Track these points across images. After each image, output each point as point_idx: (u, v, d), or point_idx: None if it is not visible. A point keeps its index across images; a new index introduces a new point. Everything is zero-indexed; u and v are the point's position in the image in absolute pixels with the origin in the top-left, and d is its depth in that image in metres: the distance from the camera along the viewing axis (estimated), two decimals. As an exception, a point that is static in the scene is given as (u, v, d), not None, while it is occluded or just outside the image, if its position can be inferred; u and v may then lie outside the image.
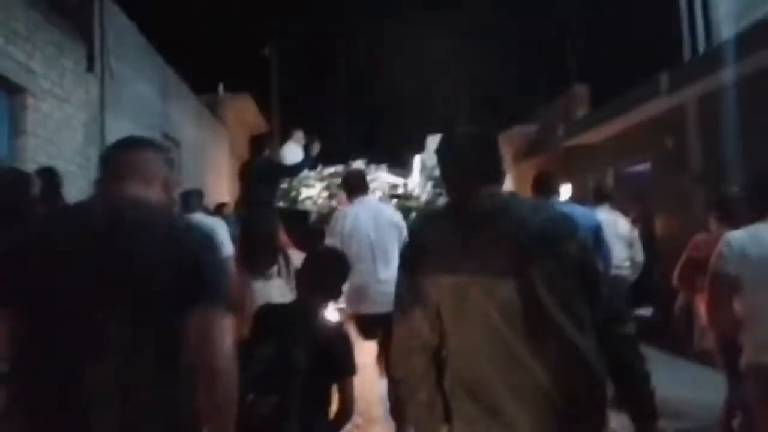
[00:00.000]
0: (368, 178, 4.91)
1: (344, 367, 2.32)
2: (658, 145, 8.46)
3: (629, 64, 11.36)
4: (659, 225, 8.70)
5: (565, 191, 12.04)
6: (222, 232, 3.95)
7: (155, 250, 1.51)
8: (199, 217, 5.45)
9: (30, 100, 5.50)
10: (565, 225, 1.69)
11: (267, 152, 6.67)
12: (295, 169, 6.59)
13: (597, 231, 3.75)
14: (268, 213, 4.14)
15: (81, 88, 6.63)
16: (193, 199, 5.72)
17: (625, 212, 9.26)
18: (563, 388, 1.53)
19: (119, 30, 8.00)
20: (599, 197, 5.44)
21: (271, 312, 2.47)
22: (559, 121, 11.45)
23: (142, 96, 8.82)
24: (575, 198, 5.78)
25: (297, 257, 3.95)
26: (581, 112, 11.30)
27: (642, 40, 11.51)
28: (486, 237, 1.59)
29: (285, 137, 8.96)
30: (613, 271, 4.67)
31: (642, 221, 8.82)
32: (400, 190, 7.39)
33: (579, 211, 3.74)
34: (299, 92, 21.26)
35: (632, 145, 9.30)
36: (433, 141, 8.64)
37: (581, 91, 11.39)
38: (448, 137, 1.86)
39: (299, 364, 2.18)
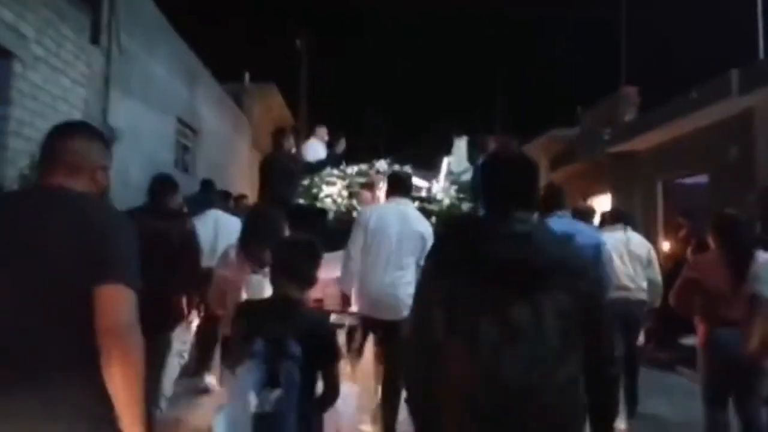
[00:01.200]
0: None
1: (331, 355, 2.43)
2: (718, 155, 7.56)
3: (686, 64, 10.41)
4: (715, 244, 7.79)
5: (604, 203, 11.15)
6: (237, 226, 3.78)
7: (62, 230, 1.64)
8: (217, 213, 5.47)
9: (17, 67, 4.92)
10: (581, 261, 1.81)
11: (290, 147, 6.45)
12: (316, 167, 6.61)
13: (597, 251, 3.64)
14: (274, 208, 3.88)
15: (81, 61, 6.04)
16: (212, 195, 5.84)
17: (675, 229, 8.41)
18: (551, 414, 1.62)
19: (133, 2, 7.43)
20: (615, 218, 5.19)
21: (254, 307, 2.55)
22: (604, 125, 10.56)
23: (157, 77, 8.25)
24: (614, 214, 5.31)
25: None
26: (629, 116, 10.39)
27: (703, 39, 10.56)
28: (507, 259, 1.67)
29: (311, 133, 8.86)
30: (622, 294, 4.54)
31: (694, 240, 7.92)
32: (423, 193, 7.20)
33: (581, 230, 3.62)
34: (328, 88, 20.74)
35: (687, 154, 8.40)
36: (460, 144, 8.58)
37: (630, 93, 10.47)
38: (495, 158, 2.02)
39: (296, 356, 2.24)
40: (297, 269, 2.48)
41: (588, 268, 1.80)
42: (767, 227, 5.76)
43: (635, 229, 5.16)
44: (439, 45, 21.55)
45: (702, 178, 8.40)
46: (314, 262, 2.55)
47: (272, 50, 17.73)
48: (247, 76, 15.27)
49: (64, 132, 1.80)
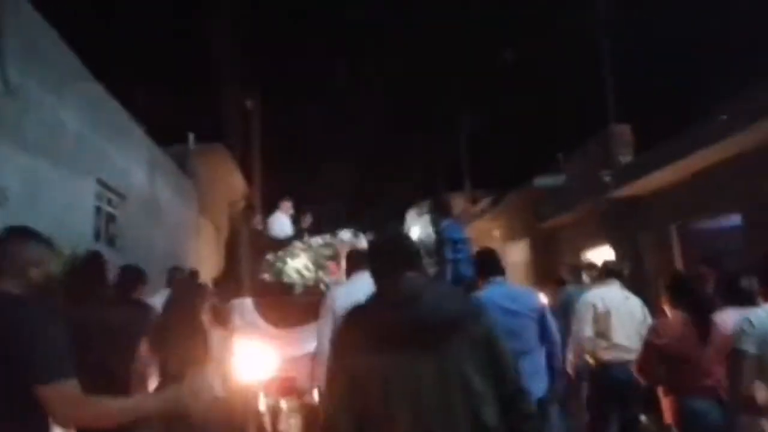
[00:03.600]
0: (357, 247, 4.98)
1: None
2: (755, 189, 6.33)
3: (682, 96, 9.42)
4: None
5: (602, 256, 9.82)
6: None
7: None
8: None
9: None
10: (470, 310, 1.92)
11: (256, 224, 7.25)
12: (283, 242, 6.79)
13: (541, 314, 3.58)
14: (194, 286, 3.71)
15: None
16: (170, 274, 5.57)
17: (702, 280, 7.03)
18: None
19: (31, 34, 5.89)
20: (608, 273, 4.82)
21: None
22: (595, 169, 9.35)
23: (67, 128, 6.61)
24: (605, 269, 4.90)
25: (217, 335, 3.31)
26: (624, 157, 9.23)
27: (705, 60, 9.62)
28: (404, 321, 1.80)
29: (268, 201, 9.59)
30: (620, 355, 4.27)
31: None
32: None
33: (518, 295, 3.62)
34: (281, 148, 19.38)
35: (710, 192, 7.17)
36: (413, 213, 8.76)
37: (623, 131, 9.36)
38: (371, 242, 2.66)
39: None
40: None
41: (479, 314, 1.91)
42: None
43: (624, 284, 4.77)
44: (399, 95, 20.57)
45: (727, 220, 7.17)
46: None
47: (219, 111, 16.25)
48: (191, 137, 13.74)
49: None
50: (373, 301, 1.97)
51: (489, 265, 3.70)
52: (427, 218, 7.83)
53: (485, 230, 15.79)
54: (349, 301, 3.47)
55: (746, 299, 3.23)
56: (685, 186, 7.65)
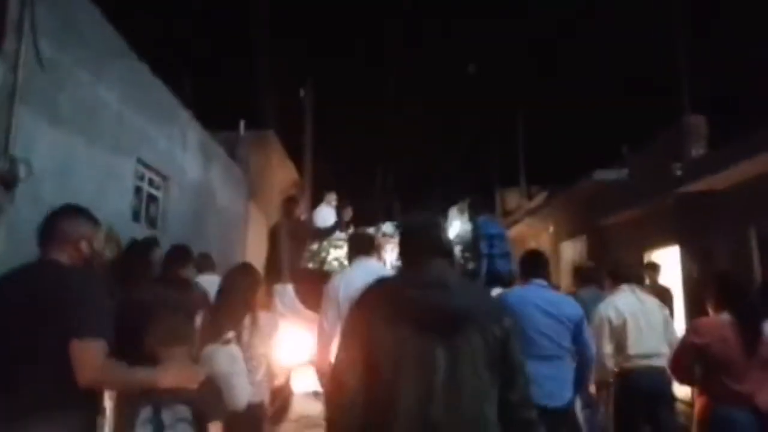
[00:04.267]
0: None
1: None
2: None
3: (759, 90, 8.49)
4: None
5: (671, 256, 9.03)
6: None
7: (43, 295, 2.20)
8: (206, 278, 4.99)
9: None
10: (494, 308, 1.92)
11: (299, 214, 7.27)
12: (325, 233, 6.96)
13: (577, 324, 3.48)
14: (249, 271, 3.47)
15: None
16: (200, 260, 5.31)
17: None
18: None
19: (68, 9, 5.73)
20: (586, 278, 4.92)
21: None
22: (666, 162, 8.57)
23: (105, 105, 6.47)
24: (585, 274, 5.14)
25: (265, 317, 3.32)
26: (697, 150, 8.42)
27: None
28: (426, 303, 1.80)
29: (317, 190, 10.15)
30: (643, 362, 4.12)
31: None
32: None
33: (556, 300, 3.54)
34: (334, 140, 19.16)
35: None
36: (455, 210, 9.21)
37: (698, 123, 8.52)
38: (403, 224, 2.63)
39: (189, 419, 2.49)
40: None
41: (502, 314, 1.88)
42: None
43: (602, 289, 4.77)
44: (453, 93, 19.98)
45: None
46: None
47: (272, 99, 16.13)
48: (242, 123, 13.66)
49: (52, 215, 2.42)
50: (397, 280, 2.01)
51: (533, 265, 3.69)
52: (466, 214, 8.00)
53: (539, 227, 15.05)
54: (351, 288, 3.40)
55: None
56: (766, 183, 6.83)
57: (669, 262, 8.74)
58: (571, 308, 3.54)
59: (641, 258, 10.05)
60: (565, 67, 14.79)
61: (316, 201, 11.06)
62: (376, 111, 20.22)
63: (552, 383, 3.30)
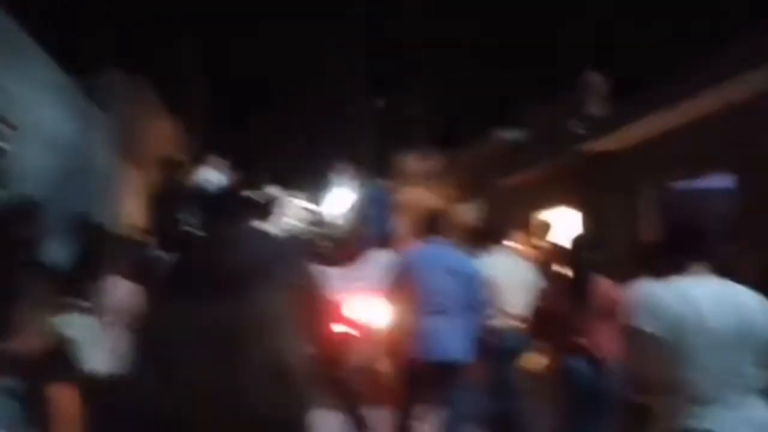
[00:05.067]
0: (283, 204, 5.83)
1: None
2: (752, 144, 5.57)
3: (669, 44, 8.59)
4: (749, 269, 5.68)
5: (567, 216, 9.08)
6: None
7: None
8: None
9: None
10: (287, 261, 1.67)
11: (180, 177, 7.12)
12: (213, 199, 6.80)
13: (470, 278, 3.61)
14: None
15: None
16: None
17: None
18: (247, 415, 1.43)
19: None
20: (482, 236, 4.88)
21: None
22: (565, 122, 8.49)
23: None
24: (480, 232, 5.23)
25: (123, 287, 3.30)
26: (594, 109, 8.40)
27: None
28: (202, 265, 1.57)
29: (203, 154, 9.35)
30: (511, 322, 4.34)
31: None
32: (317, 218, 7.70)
33: (452, 257, 3.63)
34: (222, 103, 17.81)
35: (694, 149, 6.41)
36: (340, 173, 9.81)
37: (596, 81, 8.49)
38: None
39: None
40: None
41: (294, 267, 1.66)
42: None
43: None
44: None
45: (718, 180, 6.45)
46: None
47: (147, 43, 14.56)
48: (112, 70, 12.10)
49: None
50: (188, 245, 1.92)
51: (431, 224, 3.80)
52: (353, 178, 8.97)
53: (437, 190, 14.92)
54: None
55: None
56: (663, 143, 6.88)
57: (567, 222, 8.78)
58: (464, 263, 3.70)
59: (533, 218, 10.10)
60: (464, 27, 14.53)
61: (198, 163, 10.36)
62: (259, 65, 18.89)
63: (447, 337, 3.46)
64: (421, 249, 3.79)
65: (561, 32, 9.29)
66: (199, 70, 16.19)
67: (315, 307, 1.72)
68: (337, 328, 7.00)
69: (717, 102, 5.84)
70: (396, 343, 3.78)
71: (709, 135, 6.16)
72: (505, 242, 7.33)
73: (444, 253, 3.69)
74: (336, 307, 7.15)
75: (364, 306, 5.72)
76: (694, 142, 6.39)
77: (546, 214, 9.56)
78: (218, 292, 1.54)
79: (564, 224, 8.69)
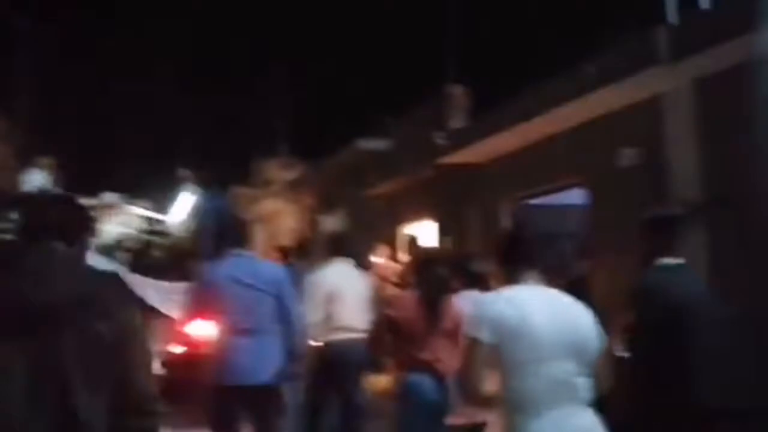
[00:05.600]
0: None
1: None
2: (604, 160, 5.58)
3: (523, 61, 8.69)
4: (602, 280, 5.65)
5: (428, 229, 8.89)
6: None
7: None
8: None
9: None
10: (103, 297, 1.65)
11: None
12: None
13: (279, 289, 3.42)
14: None
15: None
16: None
17: None
18: None
19: None
20: (336, 248, 4.61)
21: None
22: (427, 133, 8.28)
23: None
24: (334, 243, 4.79)
25: None
26: (456, 122, 8.27)
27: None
28: (9, 297, 1.56)
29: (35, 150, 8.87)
30: (345, 335, 4.20)
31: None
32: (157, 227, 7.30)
33: (258, 269, 3.47)
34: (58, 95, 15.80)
35: (548, 165, 6.40)
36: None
37: (457, 94, 8.36)
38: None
39: None
40: None
41: (112, 305, 1.64)
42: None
43: (359, 258, 4.95)
44: (210, 55, 18.09)
45: (567, 198, 6.47)
46: None
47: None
48: None
49: None
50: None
51: (229, 236, 3.60)
52: (195, 189, 8.55)
53: (299, 200, 14.28)
54: None
55: (479, 282, 3.58)
56: (521, 157, 6.83)
57: (427, 235, 8.56)
58: (272, 273, 3.47)
59: (400, 231, 9.83)
60: (328, 34, 14.13)
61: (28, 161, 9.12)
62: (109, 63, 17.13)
63: (253, 358, 3.23)
64: (224, 263, 3.49)
65: (425, 43, 9.09)
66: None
67: (139, 337, 1.64)
68: (178, 349, 6.15)
69: (571, 117, 5.83)
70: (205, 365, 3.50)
71: (566, 149, 6.15)
72: (369, 255, 7.08)
73: (250, 266, 3.42)
74: (174, 326, 6.31)
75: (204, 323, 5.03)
76: (550, 156, 6.36)
77: (411, 228, 9.33)
78: (29, 329, 1.47)
79: (428, 238, 8.47)
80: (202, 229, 5.32)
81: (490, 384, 2.10)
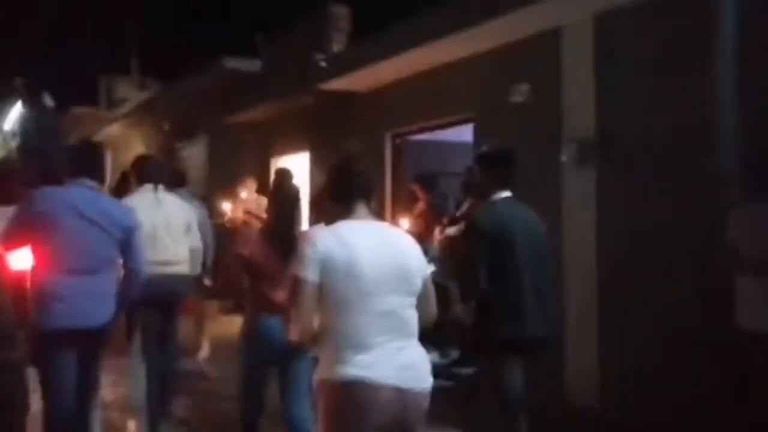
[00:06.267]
0: None
1: None
2: (496, 94, 5.33)
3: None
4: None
5: (302, 161, 8.31)
6: None
7: None
8: None
9: None
10: None
11: None
12: None
13: (127, 234, 3.17)
14: None
15: None
16: None
17: (408, 203, 6.27)
18: None
19: None
20: (145, 176, 4.19)
21: None
22: (304, 55, 7.55)
23: None
24: (144, 171, 4.23)
25: None
26: (338, 45, 7.61)
27: None
28: None
29: None
30: (161, 269, 3.88)
31: (441, 217, 5.68)
32: None
33: (109, 205, 3.20)
34: None
35: (438, 96, 6.03)
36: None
37: (339, 14, 7.66)
38: None
39: None
40: None
41: None
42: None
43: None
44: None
45: (454, 135, 6.21)
46: None
47: None
48: None
49: None
50: None
51: (81, 160, 3.22)
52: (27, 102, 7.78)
53: (153, 124, 12.86)
54: None
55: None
56: (408, 87, 6.40)
57: (299, 167, 7.97)
58: (124, 219, 3.18)
59: (269, 163, 9.13)
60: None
61: None
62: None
63: (90, 301, 3.03)
64: (65, 192, 3.10)
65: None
66: None
67: None
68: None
69: (463, 47, 5.48)
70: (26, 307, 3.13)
71: (457, 82, 5.81)
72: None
73: (97, 202, 3.09)
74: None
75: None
76: (440, 88, 6.00)
77: (284, 160, 8.66)
78: None
79: (303, 171, 7.90)
80: (28, 149, 4.43)
81: (316, 320, 2.11)
